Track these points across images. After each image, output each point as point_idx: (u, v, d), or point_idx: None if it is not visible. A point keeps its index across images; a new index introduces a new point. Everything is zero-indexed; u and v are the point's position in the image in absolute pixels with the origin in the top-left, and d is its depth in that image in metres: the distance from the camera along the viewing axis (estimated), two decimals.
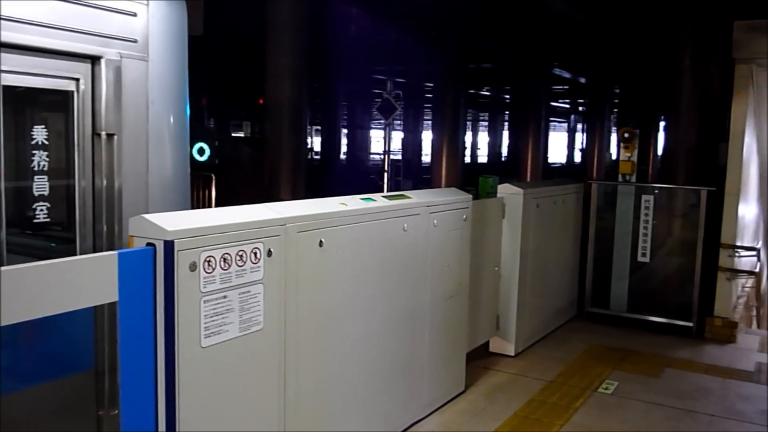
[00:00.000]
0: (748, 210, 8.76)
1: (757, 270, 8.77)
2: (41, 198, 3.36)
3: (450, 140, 15.31)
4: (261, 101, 10.94)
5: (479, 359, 5.77)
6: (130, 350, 2.59)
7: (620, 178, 7.60)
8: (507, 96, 30.87)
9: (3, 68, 3.11)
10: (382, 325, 4.07)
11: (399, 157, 25.66)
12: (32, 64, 3.25)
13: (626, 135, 7.57)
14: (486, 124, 38.65)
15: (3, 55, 3.07)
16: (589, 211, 7.46)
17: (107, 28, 3.49)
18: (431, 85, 20.26)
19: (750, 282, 8.73)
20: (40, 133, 3.39)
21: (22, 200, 3.34)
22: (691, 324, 6.96)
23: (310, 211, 3.45)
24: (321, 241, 3.46)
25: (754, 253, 8.09)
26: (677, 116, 7.52)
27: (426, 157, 24.94)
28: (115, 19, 3.53)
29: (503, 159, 34.88)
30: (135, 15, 3.63)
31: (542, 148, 21.24)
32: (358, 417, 3.92)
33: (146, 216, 2.70)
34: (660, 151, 19.42)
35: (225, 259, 2.89)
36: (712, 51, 7.31)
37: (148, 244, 2.66)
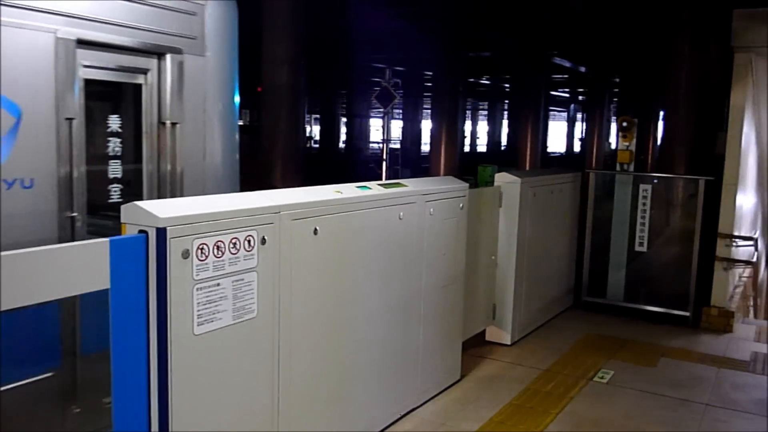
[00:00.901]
0: (746, 199, 8.75)
1: (754, 260, 8.78)
2: (115, 180, 3.80)
3: (449, 129, 15.26)
4: (259, 89, 10.88)
5: (475, 348, 5.77)
6: (122, 338, 2.58)
7: (618, 168, 7.58)
8: (506, 85, 30.76)
9: (84, 63, 3.50)
10: (376, 313, 4.07)
11: (398, 146, 25.64)
12: (109, 59, 3.66)
13: (625, 124, 7.54)
14: (485, 113, 38.56)
15: (83, 51, 3.48)
16: (587, 200, 7.45)
17: (171, 26, 3.93)
18: (430, 73, 20.18)
19: (747, 272, 8.73)
20: (114, 122, 3.84)
21: (99, 183, 3.70)
22: (687, 313, 6.97)
23: (304, 199, 3.44)
24: (316, 229, 3.45)
25: (751, 242, 8.08)
26: (676, 105, 7.50)
27: (425, 146, 24.89)
28: (178, 18, 3.97)
29: (502, 148, 34.82)
30: (195, 14, 4.08)
31: (541, 138, 21.20)
32: (352, 405, 3.92)
33: (138, 203, 2.69)
34: (659, 141, 19.39)
35: (218, 247, 2.87)
36: (710, 40, 7.27)
37: (141, 231, 2.65)
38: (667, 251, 7.46)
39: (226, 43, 4.32)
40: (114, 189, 3.81)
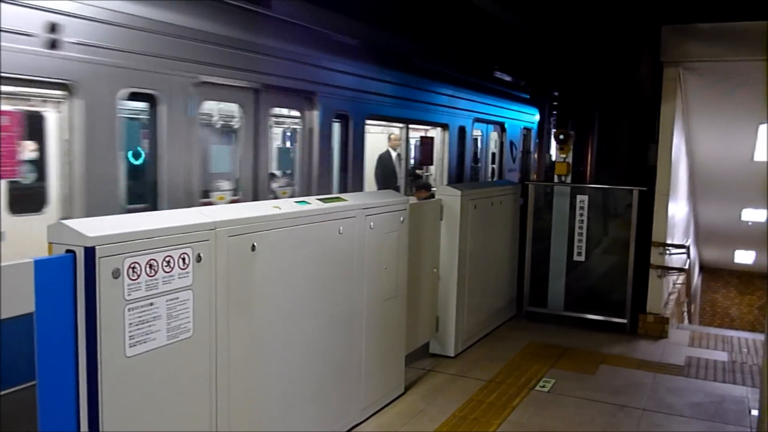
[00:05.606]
0: (678, 209, 9.05)
1: (687, 267, 9.07)
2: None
3: None
4: None
5: (419, 361, 5.78)
6: (49, 363, 2.48)
7: (556, 179, 7.74)
8: None
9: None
10: (317, 328, 4.03)
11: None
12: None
13: (561, 137, 7.73)
14: None
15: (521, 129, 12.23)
16: (527, 211, 7.57)
17: (532, 119, 12.75)
18: None
19: (681, 279, 9.02)
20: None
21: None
22: (625, 321, 7.14)
23: (241, 215, 3.39)
24: (253, 245, 3.41)
25: (683, 250, 8.36)
26: (610, 118, 7.71)
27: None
28: (532, 117, 12.77)
29: None
30: (534, 114, 12.66)
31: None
32: (294, 422, 3.87)
33: (65, 221, 2.60)
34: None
35: (151, 266, 2.80)
36: (643, 55, 7.52)
37: (68, 251, 2.56)
38: (604, 260, 7.63)
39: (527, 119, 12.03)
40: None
